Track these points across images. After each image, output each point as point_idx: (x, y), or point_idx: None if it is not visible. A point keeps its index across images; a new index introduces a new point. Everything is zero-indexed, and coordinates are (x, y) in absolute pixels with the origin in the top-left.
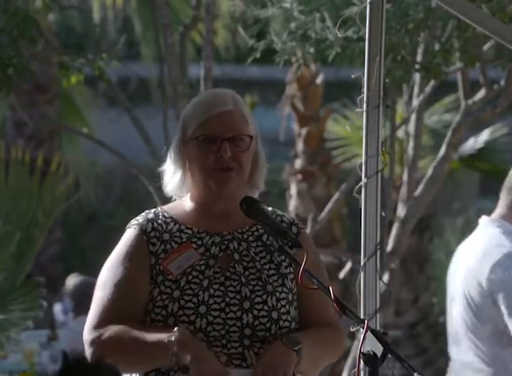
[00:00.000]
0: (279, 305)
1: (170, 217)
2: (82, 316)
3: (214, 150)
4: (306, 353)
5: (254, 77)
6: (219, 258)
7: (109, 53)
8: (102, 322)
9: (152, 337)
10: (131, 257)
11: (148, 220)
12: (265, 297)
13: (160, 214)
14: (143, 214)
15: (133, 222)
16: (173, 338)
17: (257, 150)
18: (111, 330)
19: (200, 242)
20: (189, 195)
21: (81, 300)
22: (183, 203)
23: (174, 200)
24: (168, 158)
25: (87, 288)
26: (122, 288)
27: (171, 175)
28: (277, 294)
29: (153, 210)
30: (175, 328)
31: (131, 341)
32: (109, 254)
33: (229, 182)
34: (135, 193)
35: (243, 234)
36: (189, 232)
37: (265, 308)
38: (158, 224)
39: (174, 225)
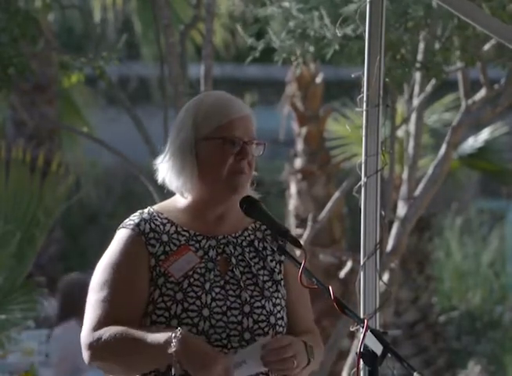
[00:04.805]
0: (275, 311)
1: (165, 218)
2: (68, 320)
3: (233, 152)
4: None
5: (253, 76)
6: (217, 262)
7: (109, 53)
8: (100, 324)
9: (151, 337)
10: (129, 258)
11: (145, 221)
12: (263, 302)
13: (155, 214)
14: (137, 214)
15: (128, 222)
16: (173, 341)
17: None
18: (110, 332)
19: (197, 245)
20: (187, 194)
21: (68, 302)
22: (176, 203)
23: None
24: (171, 155)
25: (75, 288)
26: (120, 289)
27: (177, 173)
28: (273, 299)
29: (145, 210)
30: (178, 329)
31: (130, 342)
32: None
33: (241, 186)
34: (136, 194)
35: (237, 238)
36: (186, 234)
37: (264, 313)
38: (156, 225)
39: (171, 226)
